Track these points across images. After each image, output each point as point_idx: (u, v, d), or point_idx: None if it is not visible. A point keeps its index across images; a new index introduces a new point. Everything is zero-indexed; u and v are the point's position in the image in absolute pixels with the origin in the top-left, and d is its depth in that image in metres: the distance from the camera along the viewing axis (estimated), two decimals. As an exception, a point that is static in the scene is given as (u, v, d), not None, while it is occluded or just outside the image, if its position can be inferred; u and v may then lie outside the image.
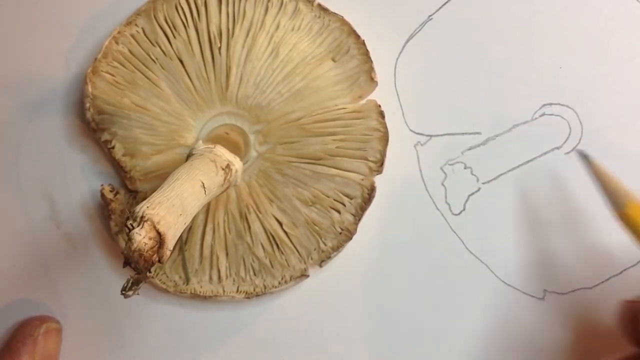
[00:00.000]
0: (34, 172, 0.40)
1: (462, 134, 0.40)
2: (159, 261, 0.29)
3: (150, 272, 0.29)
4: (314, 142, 0.38)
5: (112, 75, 0.38)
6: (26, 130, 0.40)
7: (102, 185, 0.39)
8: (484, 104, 0.40)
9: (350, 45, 0.39)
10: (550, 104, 0.40)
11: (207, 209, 0.38)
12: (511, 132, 0.40)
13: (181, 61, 0.38)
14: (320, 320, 0.40)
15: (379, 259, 0.40)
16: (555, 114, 0.40)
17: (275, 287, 0.39)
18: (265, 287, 0.39)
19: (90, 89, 0.38)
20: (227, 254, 0.39)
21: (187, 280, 0.39)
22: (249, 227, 0.39)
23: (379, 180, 0.39)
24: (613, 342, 0.38)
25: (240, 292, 0.39)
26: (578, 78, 0.40)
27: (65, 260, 0.40)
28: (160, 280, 0.39)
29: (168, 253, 0.29)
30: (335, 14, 0.39)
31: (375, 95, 0.39)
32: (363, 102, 0.39)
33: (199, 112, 0.38)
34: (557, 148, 0.40)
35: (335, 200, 0.39)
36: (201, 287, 0.39)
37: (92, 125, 0.39)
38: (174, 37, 0.38)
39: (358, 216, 0.39)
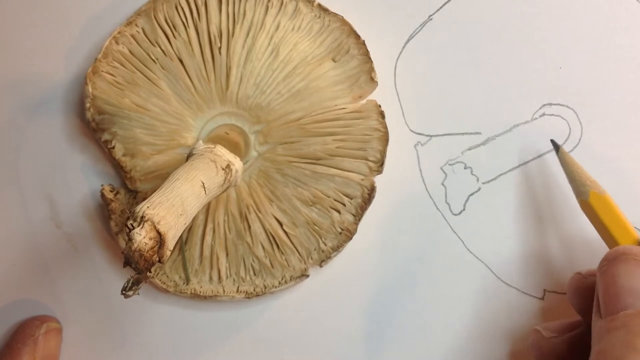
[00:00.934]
0: (34, 172, 0.40)
1: (462, 134, 0.40)
2: (159, 261, 0.29)
3: (150, 272, 0.29)
4: (314, 142, 0.38)
5: (112, 75, 0.38)
6: (26, 130, 0.40)
7: (102, 185, 0.39)
8: (484, 104, 0.40)
9: (351, 45, 0.39)
10: (550, 104, 0.40)
11: (207, 209, 0.38)
12: (511, 132, 0.40)
13: (181, 61, 0.38)
14: (320, 320, 0.40)
15: (379, 259, 0.40)
16: (555, 114, 0.40)
17: (276, 287, 0.39)
18: (265, 287, 0.39)
19: (90, 89, 0.38)
20: (227, 254, 0.39)
21: (187, 280, 0.39)
22: (249, 227, 0.39)
23: (379, 180, 0.39)
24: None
25: (241, 292, 0.39)
26: (578, 78, 0.40)
27: (65, 260, 0.40)
28: (160, 280, 0.39)
29: (168, 253, 0.29)
30: (335, 14, 0.39)
31: (375, 96, 0.39)
32: (363, 102, 0.39)
33: (199, 112, 0.38)
34: (557, 148, 0.40)
35: (335, 200, 0.39)
36: (201, 287, 0.39)
37: (92, 125, 0.39)
38: (174, 37, 0.38)
39: (358, 216, 0.39)
